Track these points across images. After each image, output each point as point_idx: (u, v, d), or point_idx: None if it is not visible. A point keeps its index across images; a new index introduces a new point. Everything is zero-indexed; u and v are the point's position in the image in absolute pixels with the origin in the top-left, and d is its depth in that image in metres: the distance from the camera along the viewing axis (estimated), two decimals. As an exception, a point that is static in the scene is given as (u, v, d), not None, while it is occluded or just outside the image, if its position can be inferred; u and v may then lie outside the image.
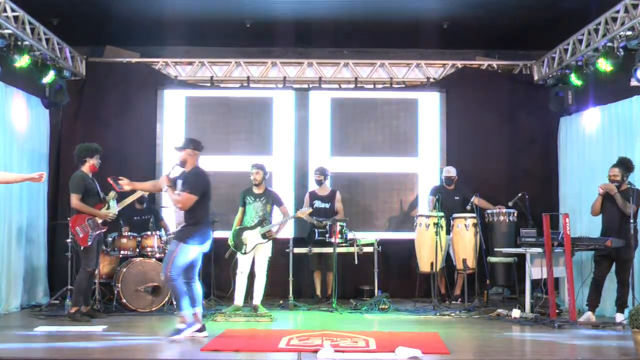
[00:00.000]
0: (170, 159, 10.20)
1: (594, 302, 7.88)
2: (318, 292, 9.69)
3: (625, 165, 7.82)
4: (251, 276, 8.52)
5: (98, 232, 7.83)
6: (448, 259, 9.55)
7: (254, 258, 8.49)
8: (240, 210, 8.65)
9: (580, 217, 8.99)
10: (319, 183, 9.66)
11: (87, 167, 7.94)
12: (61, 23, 9.28)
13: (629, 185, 7.77)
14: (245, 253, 8.44)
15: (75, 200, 7.78)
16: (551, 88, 9.76)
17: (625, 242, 7.60)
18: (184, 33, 10.13)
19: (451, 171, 9.86)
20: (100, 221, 7.85)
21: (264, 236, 8.43)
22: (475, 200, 9.31)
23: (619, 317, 7.64)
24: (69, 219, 8.59)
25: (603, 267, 7.85)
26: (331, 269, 9.29)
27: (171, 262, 6.63)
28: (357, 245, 9.10)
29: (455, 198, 9.72)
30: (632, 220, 7.57)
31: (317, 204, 9.55)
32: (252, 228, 8.47)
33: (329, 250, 9.05)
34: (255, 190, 8.62)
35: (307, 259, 9.53)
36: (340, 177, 10.18)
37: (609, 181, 7.82)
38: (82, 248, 7.79)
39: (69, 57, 9.63)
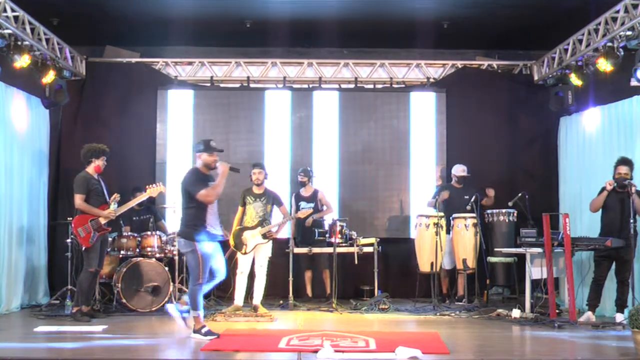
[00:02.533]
0: (172, 159, 10.28)
1: (593, 302, 7.88)
2: (308, 291, 9.71)
3: (631, 163, 7.82)
4: (251, 276, 8.53)
5: (101, 232, 7.84)
6: (448, 259, 9.56)
7: (254, 258, 8.50)
8: (240, 210, 8.65)
9: (580, 217, 8.99)
10: (303, 184, 9.60)
11: (92, 167, 7.95)
12: (61, 23, 9.28)
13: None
14: (245, 253, 8.44)
15: (78, 200, 7.78)
16: (551, 88, 9.75)
17: (626, 242, 7.60)
18: (184, 33, 10.13)
19: (465, 170, 9.72)
20: (103, 222, 7.85)
21: (264, 236, 8.44)
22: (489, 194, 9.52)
23: (619, 317, 7.64)
24: (69, 219, 8.62)
25: (603, 267, 7.84)
26: (325, 267, 9.31)
27: None
28: (357, 246, 9.09)
29: (465, 197, 9.63)
30: (632, 220, 7.57)
31: (303, 205, 9.50)
32: (252, 228, 8.47)
33: (328, 250, 9.05)
34: (256, 190, 8.62)
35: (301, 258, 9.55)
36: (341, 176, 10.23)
37: (616, 179, 7.77)
38: (84, 248, 7.80)
39: (69, 57, 9.63)
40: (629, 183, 7.63)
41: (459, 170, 9.74)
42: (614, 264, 7.82)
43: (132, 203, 8.20)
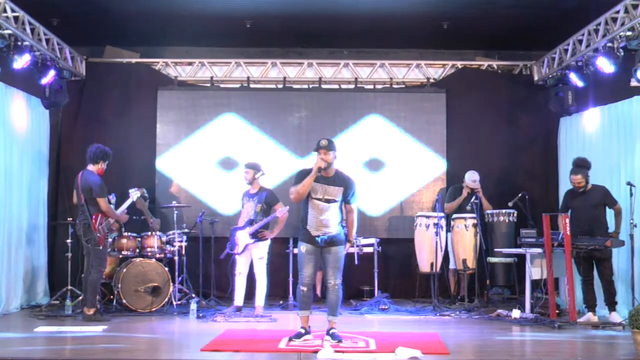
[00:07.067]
0: (171, 159, 10.27)
1: (590, 302, 7.89)
2: (318, 291, 9.70)
3: (584, 167, 7.94)
4: (251, 277, 8.50)
5: (112, 232, 7.97)
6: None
7: (252, 259, 8.48)
8: (241, 211, 8.68)
9: (580, 218, 8.99)
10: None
11: (97, 168, 7.96)
12: (61, 23, 9.27)
13: (592, 185, 7.94)
14: (237, 253, 8.43)
15: (105, 204, 7.82)
16: (551, 88, 9.75)
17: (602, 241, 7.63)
18: (184, 33, 10.13)
19: (477, 180, 9.51)
20: (112, 221, 7.91)
21: (253, 236, 8.39)
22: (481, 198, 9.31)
23: (614, 317, 7.65)
24: (69, 219, 8.62)
25: (582, 267, 7.89)
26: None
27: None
28: (357, 246, 9.08)
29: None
30: (631, 220, 7.59)
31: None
32: (242, 228, 8.45)
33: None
34: (251, 190, 8.60)
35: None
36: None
37: (574, 187, 7.93)
38: (100, 247, 7.81)
39: (69, 57, 9.63)
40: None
41: (471, 180, 9.50)
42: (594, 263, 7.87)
43: (124, 206, 8.23)
